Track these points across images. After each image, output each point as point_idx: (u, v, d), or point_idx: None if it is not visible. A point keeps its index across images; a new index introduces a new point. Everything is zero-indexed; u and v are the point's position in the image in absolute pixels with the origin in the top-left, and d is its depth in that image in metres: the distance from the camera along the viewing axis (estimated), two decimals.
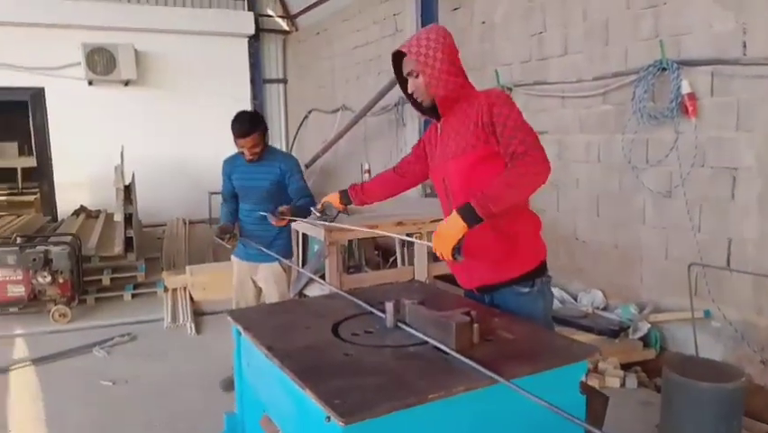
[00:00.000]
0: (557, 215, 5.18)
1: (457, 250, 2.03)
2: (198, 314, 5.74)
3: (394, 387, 1.59)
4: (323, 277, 4.57)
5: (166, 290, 6.15)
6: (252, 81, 10.51)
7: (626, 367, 4.03)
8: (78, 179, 9.11)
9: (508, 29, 5.57)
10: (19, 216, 8.48)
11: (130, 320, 5.61)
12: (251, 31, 10.18)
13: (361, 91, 8.28)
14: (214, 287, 5.73)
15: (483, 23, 5.88)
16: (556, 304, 4.77)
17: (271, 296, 3.99)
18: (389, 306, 2.04)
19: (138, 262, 6.45)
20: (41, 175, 9.45)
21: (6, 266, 5.40)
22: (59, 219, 8.65)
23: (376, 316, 2.15)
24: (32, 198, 11.31)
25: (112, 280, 6.29)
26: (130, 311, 5.90)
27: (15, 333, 5.36)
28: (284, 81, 11.28)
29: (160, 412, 3.82)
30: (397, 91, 2.38)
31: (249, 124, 3.67)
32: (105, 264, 6.33)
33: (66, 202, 9.06)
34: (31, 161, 10.48)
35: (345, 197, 2.80)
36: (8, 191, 12.71)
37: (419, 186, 4.17)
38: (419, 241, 2.86)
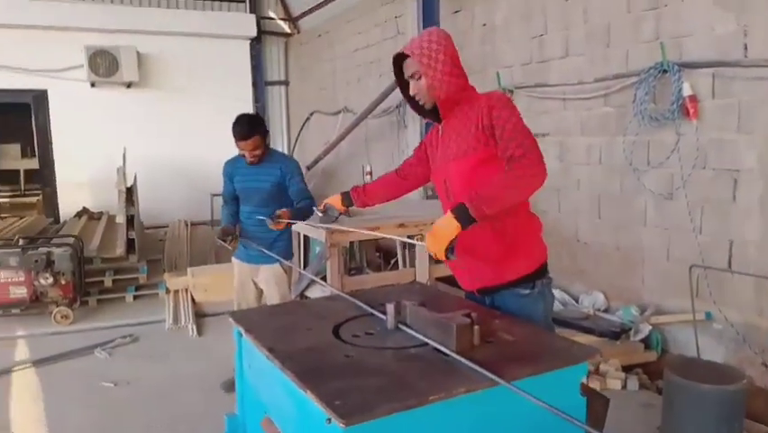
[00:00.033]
0: (558, 216, 5.18)
1: (450, 249, 2.03)
2: (200, 315, 5.75)
3: (394, 388, 1.59)
4: (324, 279, 4.57)
5: (167, 291, 6.17)
6: (254, 83, 10.52)
7: (627, 369, 4.02)
8: (81, 180, 9.12)
9: (509, 31, 5.57)
10: (21, 218, 8.50)
11: (131, 322, 5.62)
12: (253, 33, 10.20)
13: (362, 93, 8.29)
14: (215, 288, 5.74)
15: (484, 25, 5.88)
16: (557, 306, 4.77)
17: (272, 297, 3.99)
18: (390, 307, 2.04)
19: (140, 263, 6.46)
20: (44, 177, 9.46)
21: (8, 268, 5.41)
22: (62, 221, 8.66)
23: (377, 317, 2.15)
24: (34, 199, 11.32)
25: (114, 281, 6.31)
26: (131, 313, 5.91)
27: (17, 334, 5.37)
28: (286, 83, 11.29)
29: (161, 414, 3.82)
30: (398, 93, 2.38)
31: (249, 127, 3.68)
32: (107, 266, 6.34)
33: (68, 204, 9.07)
34: (33, 163, 10.49)
35: (347, 198, 2.79)
36: (11, 193, 12.71)
37: (420, 188, 4.18)
38: (412, 241, 2.86)
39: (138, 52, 9.01)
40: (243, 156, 3.79)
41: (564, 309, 4.75)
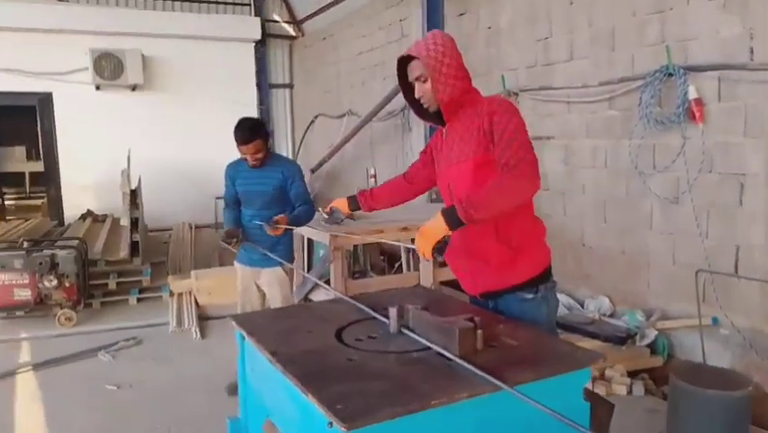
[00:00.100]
0: (564, 220, 5.16)
1: (438, 250, 2.04)
2: (203, 318, 5.75)
3: (397, 393, 1.58)
4: (328, 282, 4.57)
5: (171, 294, 6.17)
6: (259, 86, 10.55)
7: (632, 374, 3.99)
8: (85, 183, 9.16)
9: (514, 34, 5.56)
10: (26, 220, 8.52)
11: (135, 324, 5.62)
12: (258, 36, 10.23)
13: (366, 96, 8.29)
14: (219, 291, 5.75)
15: (489, 28, 5.88)
16: (563, 310, 4.74)
17: (275, 300, 3.99)
18: (393, 311, 2.03)
19: (144, 266, 6.46)
20: (49, 179, 9.50)
21: (13, 270, 5.42)
22: (66, 223, 8.69)
23: (380, 321, 2.14)
24: (39, 202, 11.37)
25: (117, 284, 6.31)
26: (135, 315, 5.91)
27: (21, 336, 5.37)
28: (290, 86, 11.31)
29: (164, 417, 3.82)
30: (402, 96, 2.38)
31: (250, 132, 3.69)
32: (111, 268, 6.35)
33: (73, 206, 9.10)
34: (38, 166, 10.53)
35: (354, 202, 2.78)
36: (16, 195, 12.77)
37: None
38: (403, 244, 2.87)
39: (143, 55, 9.06)
40: (245, 159, 3.80)
41: (570, 314, 4.73)
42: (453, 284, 3.31)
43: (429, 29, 6.13)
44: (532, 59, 5.35)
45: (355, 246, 5.43)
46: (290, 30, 10.95)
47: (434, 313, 1.99)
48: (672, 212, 4.21)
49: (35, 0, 9.06)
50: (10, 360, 4.84)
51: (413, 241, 2.19)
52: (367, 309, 2.26)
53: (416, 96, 2.29)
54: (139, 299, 6.34)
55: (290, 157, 10.76)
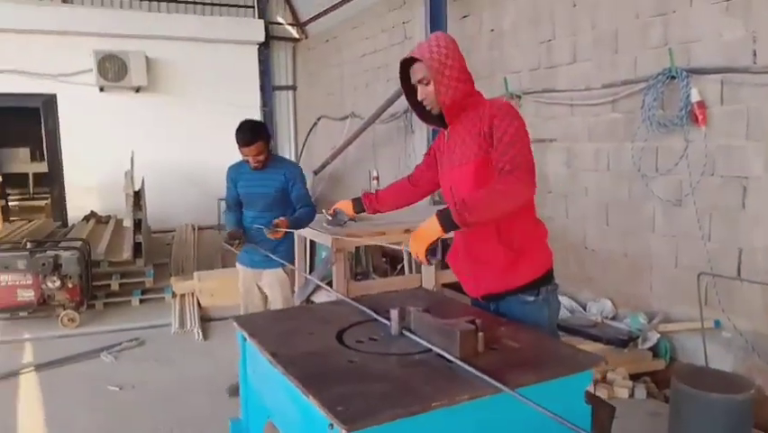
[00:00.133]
0: (566, 223, 5.15)
1: (431, 252, 2.04)
2: (206, 320, 5.75)
3: (398, 394, 1.58)
4: (330, 284, 4.57)
5: (174, 295, 6.18)
6: (262, 88, 10.57)
7: (635, 377, 3.99)
8: (89, 184, 9.18)
9: (517, 36, 5.57)
10: (30, 221, 8.54)
11: (138, 325, 5.63)
12: (261, 38, 10.25)
13: (369, 98, 8.30)
14: (221, 293, 5.75)
15: (492, 30, 5.88)
16: (565, 313, 4.74)
17: (276, 301, 4.00)
18: (394, 313, 2.03)
19: (146, 267, 6.47)
20: (53, 180, 9.53)
21: (16, 271, 5.44)
22: (70, 224, 8.71)
23: (381, 323, 2.14)
24: (42, 203, 11.38)
25: (120, 285, 6.33)
26: (138, 316, 5.92)
27: (24, 337, 5.39)
28: (293, 88, 11.33)
29: (166, 418, 3.82)
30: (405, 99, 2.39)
31: (252, 133, 3.71)
32: (114, 270, 6.36)
33: (76, 207, 9.12)
34: (42, 167, 10.55)
35: (358, 204, 2.78)
36: (20, 196, 12.80)
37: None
38: (396, 246, 2.87)
39: (147, 57, 9.08)
40: (247, 161, 3.81)
41: (572, 317, 4.73)
42: (455, 286, 3.31)
43: (432, 31, 6.13)
44: (535, 61, 5.35)
45: (357, 248, 5.43)
46: (294, 32, 10.96)
47: (435, 315, 1.99)
48: (674, 215, 4.20)
49: (39, 2, 9.11)
50: (13, 360, 4.86)
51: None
52: (368, 311, 2.26)
53: (419, 98, 2.29)
54: (141, 301, 6.36)
55: (293, 159, 10.78)
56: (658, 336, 4.19)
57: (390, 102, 7.31)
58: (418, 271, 5.07)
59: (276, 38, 10.86)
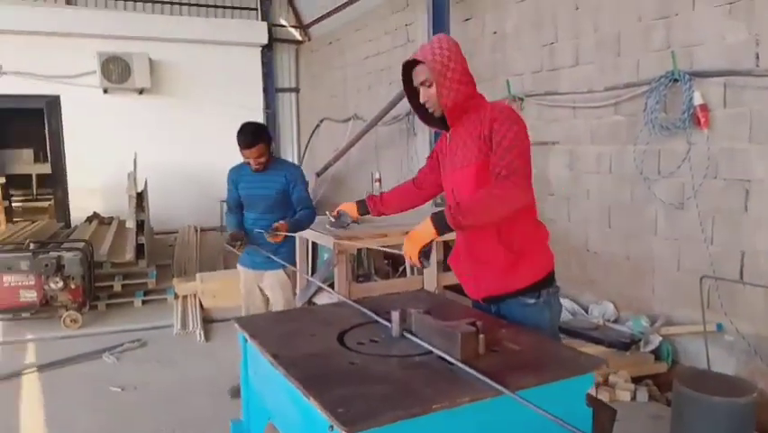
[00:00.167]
0: (568, 225, 5.15)
1: (424, 254, 2.04)
2: (208, 321, 5.76)
3: (399, 396, 1.58)
4: (332, 285, 4.57)
5: (176, 296, 6.19)
6: (265, 90, 10.59)
7: (636, 380, 3.97)
8: (92, 185, 9.20)
9: (520, 39, 5.57)
10: (33, 222, 8.56)
11: (140, 326, 5.63)
12: (265, 40, 10.28)
13: (372, 101, 8.31)
14: (223, 294, 5.75)
15: (495, 33, 5.89)
16: (567, 316, 4.73)
17: (277, 302, 4.01)
18: (395, 315, 2.03)
19: (149, 268, 6.49)
20: (56, 182, 9.56)
21: (19, 271, 5.45)
22: (73, 225, 8.74)
23: (382, 325, 2.15)
24: (46, 204, 11.42)
25: (123, 286, 6.34)
26: (140, 317, 5.93)
27: (27, 338, 5.40)
28: (296, 90, 11.35)
29: (168, 419, 3.83)
30: (407, 101, 2.40)
31: (252, 136, 3.73)
32: (117, 271, 6.37)
33: (79, 209, 9.15)
34: (46, 168, 10.58)
35: (363, 207, 2.77)
36: (23, 197, 12.84)
37: None
38: (388, 249, 2.87)
39: (150, 59, 9.11)
40: (248, 163, 3.83)
41: (574, 319, 4.72)
42: (457, 288, 3.31)
43: (435, 34, 6.15)
44: (537, 64, 5.35)
45: (359, 250, 5.44)
46: (297, 34, 10.98)
47: (436, 317, 2.00)
48: (676, 218, 4.20)
49: (44, 4, 9.15)
50: (15, 361, 4.86)
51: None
52: (369, 313, 2.26)
53: (421, 100, 2.29)
54: (144, 302, 6.37)
55: (296, 161, 10.81)
56: (660, 339, 4.18)
57: (393, 104, 7.32)
58: (420, 272, 5.07)
59: (279, 40, 10.88)
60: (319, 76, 10.45)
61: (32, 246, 5.85)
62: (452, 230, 2.04)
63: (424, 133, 6.96)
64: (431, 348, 1.86)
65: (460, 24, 6.30)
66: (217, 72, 9.85)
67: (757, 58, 3.62)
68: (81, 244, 6.02)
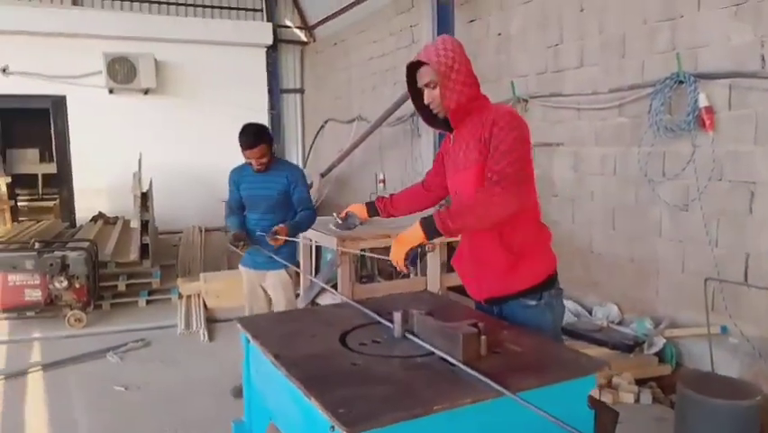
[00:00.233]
0: (572, 227, 5.14)
1: (411, 259, 2.04)
2: (211, 321, 5.77)
3: (400, 397, 1.58)
4: (335, 286, 4.58)
5: (180, 296, 6.21)
6: (270, 91, 10.59)
7: (640, 382, 3.96)
8: (97, 185, 9.23)
9: (524, 41, 5.56)
10: (38, 222, 8.60)
11: (144, 326, 5.65)
12: (270, 41, 10.28)
13: (376, 101, 8.31)
14: (227, 294, 5.77)
15: (499, 34, 5.88)
16: (571, 318, 4.72)
17: (279, 302, 4.02)
18: (397, 316, 2.03)
19: (153, 268, 6.51)
20: (61, 181, 9.58)
21: (24, 271, 5.47)
22: (78, 225, 8.76)
23: (384, 326, 2.15)
24: (51, 203, 11.46)
25: (127, 286, 6.36)
26: (144, 317, 5.94)
27: (31, 337, 5.42)
28: (301, 91, 11.36)
29: (171, 419, 3.83)
30: (411, 102, 2.39)
31: (254, 137, 3.76)
32: (121, 270, 6.40)
33: (85, 208, 9.17)
34: (51, 168, 10.63)
35: (372, 208, 2.74)
36: (29, 197, 12.88)
37: None
38: (376, 256, 2.88)
39: (156, 60, 9.12)
40: (250, 164, 3.85)
41: (577, 321, 4.71)
42: (461, 290, 3.31)
43: (439, 35, 6.15)
44: (542, 65, 5.35)
45: (363, 251, 5.44)
46: (302, 35, 10.99)
47: (438, 318, 2.00)
48: (681, 220, 4.18)
49: (50, 4, 9.19)
50: (20, 360, 4.88)
51: (433, 250, 2.18)
52: (371, 314, 2.26)
53: (426, 101, 2.27)
54: (148, 301, 6.38)
55: (300, 161, 10.83)
56: (664, 341, 4.17)
57: (397, 105, 7.31)
58: (423, 274, 5.07)
59: (284, 41, 10.89)
60: (324, 77, 10.46)
61: (37, 246, 5.87)
62: (440, 234, 2.03)
63: (428, 134, 6.95)
64: (433, 349, 1.86)
65: (464, 26, 6.29)
66: (222, 73, 9.86)
67: (763, 60, 3.61)
68: (86, 244, 6.04)
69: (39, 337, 5.41)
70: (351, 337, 2.08)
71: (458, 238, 2.48)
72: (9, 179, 8.71)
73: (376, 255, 2.88)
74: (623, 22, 4.53)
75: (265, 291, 4.09)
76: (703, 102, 3.88)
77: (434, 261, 4.86)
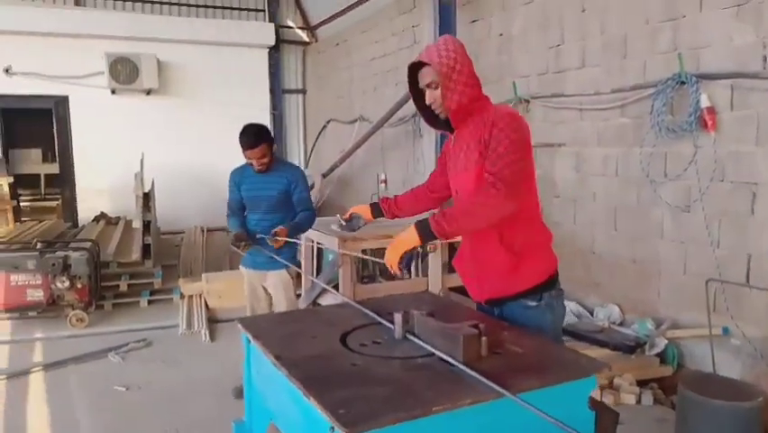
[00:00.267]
0: (574, 228, 5.13)
1: (406, 263, 2.04)
2: (213, 321, 5.78)
3: (400, 398, 1.58)
4: (337, 286, 4.58)
5: (182, 296, 6.22)
6: (272, 91, 10.60)
7: (642, 384, 3.96)
8: (100, 185, 9.24)
9: (526, 41, 5.56)
10: (41, 222, 8.61)
11: (145, 326, 5.65)
12: (272, 42, 10.29)
13: (378, 102, 8.32)
14: (229, 294, 5.77)
15: (501, 35, 5.88)
16: (572, 318, 4.72)
17: (280, 302, 4.02)
18: (398, 317, 2.03)
19: (155, 268, 6.51)
20: (64, 181, 9.60)
21: (26, 271, 5.48)
22: (80, 225, 8.77)
23: (385, 326, 2.15)
24: (54, 204, 11.46)
25: (129, 286, 6.37)
26: (146, 317, 5.95)
27: (33, 337, 5.43)
28: (303, 92, 11.36)
29: (172, 419, 3.84)
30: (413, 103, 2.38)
31: (255, 137, 3.77)
32: (123, 270, 6.41)
33: (87, 208, 9.18)
34: (54, 168, 10.63)
35: (377, 210, 2.73)
36: (31, 197, 12.90)
37: None
38: (371, 258, 2.87)
39: (158, 60, 9.13)
40: (251, 164, 3.86)
41: (579, 322, 4.70)
42: (462, 290, 3.31)
43: (441, 35, 6.14)
44: (544, 66, 5.34)
45: (364, 251, 5.44)
46: (304, 36, 11.00)
47: (439, 319, 2.00)
48: (683, 221, 4.18)
49: (53, 5, 9.20)
50: (22, 360, 4.90)
51: (434, 250, 2.18)
52: (372, 315, 2.26)
53: (427, 102, 2.27)
54: (150, 301, 6.39)
55: (302, 162, 10.84)
56: (666, 342, 4.16)
57: (399, 105, 7.31)
58: (425, 274, 5.07)
59: (286, 41, 10.90)
60: (326, 77, 10.46)
61: (39, 246, 5.88)
62: (435, 237, 2.03)
63: (430, 134, 6.95)
64: (433, 350, 1.86)
65: (466, 26, 6.29)
66: (224, 73, 9.87)
67: (765, 60, 3.60)
68: (88, 244, 6.05)
69: (41, 337, 5.42)
70: (351, 338, 2.08)
71: (459, 239, 2.48)
72: (11, 180, 8.72)
73: (371, 258, 2.87)
74: (625, 22, 4.53)
75: (266, 291, 4.10)
76: (705, 103, 3.88)
77: (435, 261, 4.86)
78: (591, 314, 4.83)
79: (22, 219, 9.62)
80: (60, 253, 5.60)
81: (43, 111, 9.43)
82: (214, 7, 10.32)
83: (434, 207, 2.74)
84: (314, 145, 10.91)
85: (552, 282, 2.26)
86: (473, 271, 2.35)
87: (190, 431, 3.69)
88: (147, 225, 6.52)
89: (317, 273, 5.66)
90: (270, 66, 10.52)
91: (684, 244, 4.19)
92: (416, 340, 1.96)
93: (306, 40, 11.03)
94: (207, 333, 5.43)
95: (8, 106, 9.27)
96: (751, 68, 3.67)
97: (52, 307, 5.61)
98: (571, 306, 4.80)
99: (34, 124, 11.35)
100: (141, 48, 9.04)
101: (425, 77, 2.23)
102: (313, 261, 5.71)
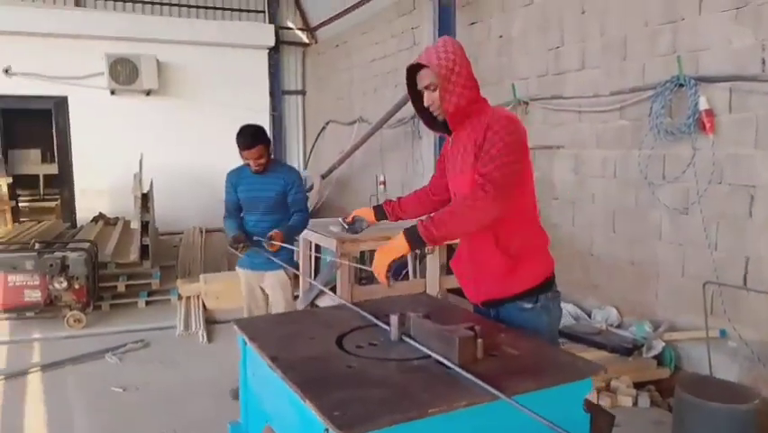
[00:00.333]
0: (572, 230, 5.14)
1: (393, 270, 2.03)
2: (211, 322, 5.77)
3: (396, 400, 1.58)
4: (334, 288, 4.57)
5: (180, 297, 6.20)
6: (272, 92, 10.62)
7: (639, 386, 3.96)
8: (99, 186, 9.25)
9: (526, 43, 5.56)
10: (39, 222, 8.61)
11: (143, 327, 5.64)
12: (272, 43, 10.31)
13: (377, 103, 8.32)
14: (227, 296, 5.76)
15: (500, 37, 5.88)
16: (570, 320, 4.72)
17: (277, 303, 4.02)
18: (394, 319, 2.03)
19: (153, 269, 6.50)
20: (63, 182, 9.61)
21: (24, 271, 5.47)
22: (79, 226, 8.77)
23: (381, 328, 2.14)
24: (52, 204, 11.47)
25: (127, 286, 6.36)
26: (143, 318, 5.94)
27: (31, 337, 5.41)
28: (303, 93, 11.37)
29: (170, 420, 3.83)
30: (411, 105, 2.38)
31: (252, 138, 3.78)
32: (121, 271, 6.40)
33: (85, 209, 9.20)
34: (53, 168, 10.64)
35: (380, 212, 2.72)
36: (30, 197, 12.89)
37: None
38: (359, 266, 2.86)
39: (158, 61, 9.15)
40: (248, 165, 3.87)
41: (576, 324, 4.70)
42: (460, 292, 3.31)
43: (440, 37, 6.14)
44: (543, 68, 5.35)
45: (362, 252, 5.43)
46: (304, 37, 11.02)
47: (435, 321, 1.99)
48: (681, 223, 4.18)
49: (53, 5, 9.21)
50: (19, 360, 4.88)
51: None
52: (369, 316, 2.26)
53: (426, 104, 2.26)
54: (147, 302, 6.37)
55: (301, 163, 10.84)
56: (663, 344, 4.16)
57: (398, 107, 7.32)
58: (423, 276, 5.07)
59: (286, 43, 10.92)
60: (325, 78, 10.47)
61: (37, 246, 5.87)
62: (425, 244, 2.01)
63: (429, 136, 6.95)
64: (429, 352, 1.85)
65: (466, 28, 6.30)
66: (224, 74, 9.88)
67: (763, 63, 3.61)
68: (86, 245, 6.04)
69: (38, 338, 5.41)
70: (348, 340, 2.07)
71: (457, 241, 2.47)
72: (10, 180, 8.71)
73: (358, 265, 2.85)
74: (624, 24, 4.54)
75: (264, 292, 4.10)
76: (703, 105, 3.88)
77: (433, 263, 4.86)
78: (589, 316, 4.83)
79: (21, 220, 9.63)
80: (58, 254, 5.59)
81: (43, 111, 9.43)
82: (214, 8, 10.34)
83: (436, 209, 2.72)
84: (313, 146, 10.92)
85: (548, 285, 2.26)
86: (470, 273, 2.35)
87: (188, 432, 3.69)
88: (145, 226, 6.52)
89: (315, 274, 5.66)
90: (270, 67, 10.54)
91: (682, 247, 4.19)
92: (412, 342, 1.96)
93: (306, 41, 11.04)
94: (205, 334, 5.42)
95: (8, 107, 9.29)
96: (750, 70, 3.67)
97: (50, 307, 5.59)
98: (568, 308, 4.80)
99: (34, 125, 11.35)
100: (140, 48, 9.05)
101: (424, 78, 2.23)
102: (311, 262, 5.70)
